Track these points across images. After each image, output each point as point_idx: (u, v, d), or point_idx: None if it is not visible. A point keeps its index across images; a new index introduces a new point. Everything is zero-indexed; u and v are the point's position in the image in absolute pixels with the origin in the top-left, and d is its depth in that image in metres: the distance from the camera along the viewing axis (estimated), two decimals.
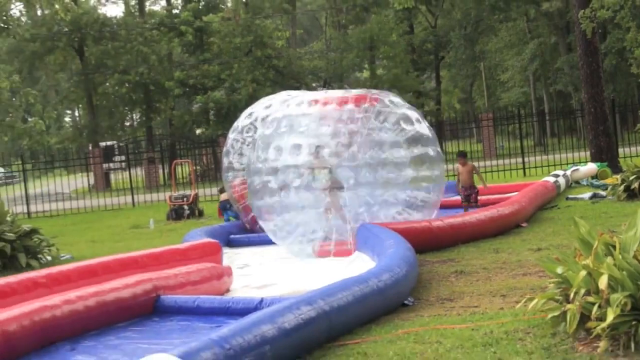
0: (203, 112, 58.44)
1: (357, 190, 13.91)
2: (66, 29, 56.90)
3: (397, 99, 15.32)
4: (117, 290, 10.63)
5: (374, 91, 15.35)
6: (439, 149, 15.30)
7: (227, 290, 12.30)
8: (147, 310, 10.69)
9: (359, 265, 13.00)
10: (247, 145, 17.77)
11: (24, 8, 54.20)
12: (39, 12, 57.04)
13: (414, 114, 15.29)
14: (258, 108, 18.50)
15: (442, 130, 55.21)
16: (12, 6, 36.84)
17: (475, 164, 18.82)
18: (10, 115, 32.34)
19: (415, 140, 14.55)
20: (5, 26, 34.36)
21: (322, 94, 15.77)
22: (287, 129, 14.78)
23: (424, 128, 15.05)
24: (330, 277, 11.43)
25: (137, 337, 9.83)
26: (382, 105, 14.57)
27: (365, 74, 64.68)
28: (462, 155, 17.50)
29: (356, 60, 63.79)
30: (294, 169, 14.37)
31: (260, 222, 15.63)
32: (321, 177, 14.06)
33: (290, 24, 64.39)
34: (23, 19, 55.05)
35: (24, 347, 9.08)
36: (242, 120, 18.69)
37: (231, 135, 18.75)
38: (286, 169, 14.49)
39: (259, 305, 9.73)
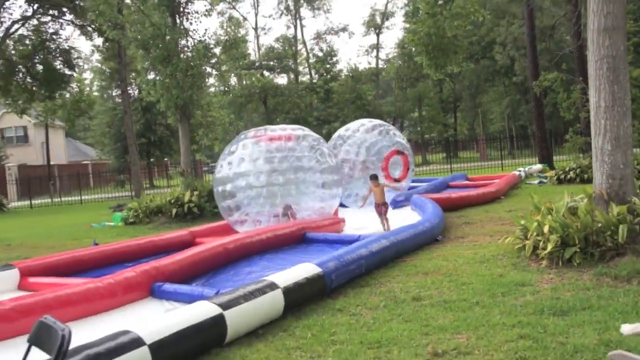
0: (328, 135, 58.87)
1: (285, 187, 12.24)
2: (257, 90, 57.53)
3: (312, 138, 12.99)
4: (283, 229, 10.78)
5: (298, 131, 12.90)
6: (338, 163, 13.26)
7: (341, 230, 12.32)
8: (299, 240, 10.78)
9: (412, 217, 12.89)
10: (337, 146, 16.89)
11: (237, 80, 55.04)
12: (244, 82, 57.72)
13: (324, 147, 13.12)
14: (341, 130, 17.86)
15: (457, 145, 54.62)
16: (230, 78, 38.18)
17: (385, 182, 14.87)
18: (229, 136, 32.98)
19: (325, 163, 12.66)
20: (227, 89, 35.26)
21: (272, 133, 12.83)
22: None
23: (330, 155, 13.09)
24: (397, 224, 11.41)
25: (294, 253, 9.94)
26: (299, 141, 12.55)
27: (416, 114, 64.10)
28: (374, 178, 12.78)
29: (411, 107, 63.43)
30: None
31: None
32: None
33: (375, 87, 64.05)
34: (236, 85, 55.99)
35: (235, 257, 9.29)
36: (336, 134, 17.92)
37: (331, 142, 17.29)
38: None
39: (358, 238, 9.74)
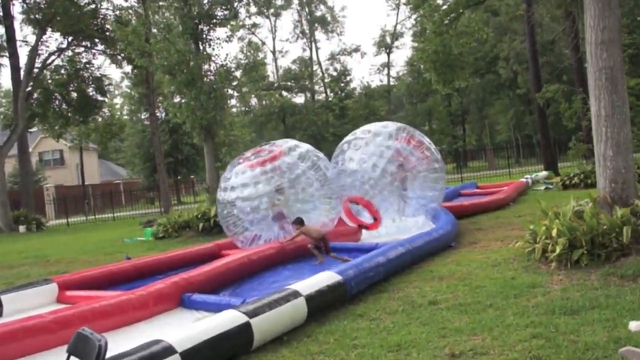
0: None
1: (288, 203, 11.10)
2: (276, 109, 57.72)
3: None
4: (304, 240, 10.69)
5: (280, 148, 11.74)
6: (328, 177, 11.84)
7: (359, 239, 12.23)
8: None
9: (427, 225, 12.74)
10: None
11: (257, 101, 55.29)
12: (264, 102, 57.91)
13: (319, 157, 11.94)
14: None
15: (467, 155, 54.39)
16: (251, 99, 38.38)
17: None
18: None
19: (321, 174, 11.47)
20: (248, 109, 35.68)
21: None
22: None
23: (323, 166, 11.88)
24: (412, 232, 11.28)
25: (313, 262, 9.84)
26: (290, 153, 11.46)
27: (427, 127, 63.93)
28: (297, 222, 10.21)
29: (422, 121, 63.35)
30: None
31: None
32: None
33: (387, 103, 64.08)
34: (256, 105, 56.21)
35: (259, 267, 9.24)
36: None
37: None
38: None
39: (375, 246, 9.65)
